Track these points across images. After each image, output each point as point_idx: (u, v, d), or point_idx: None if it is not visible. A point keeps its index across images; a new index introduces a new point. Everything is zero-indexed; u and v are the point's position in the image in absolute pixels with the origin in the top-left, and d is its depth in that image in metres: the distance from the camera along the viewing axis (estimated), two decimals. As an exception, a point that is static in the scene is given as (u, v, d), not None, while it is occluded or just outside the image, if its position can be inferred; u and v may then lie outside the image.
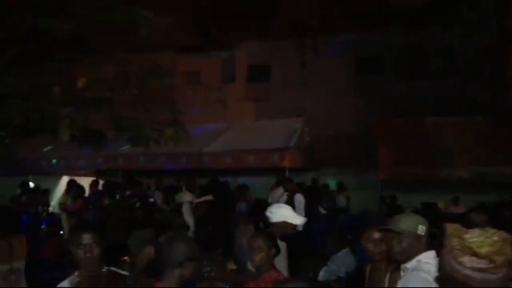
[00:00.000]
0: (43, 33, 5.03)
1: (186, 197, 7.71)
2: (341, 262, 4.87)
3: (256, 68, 14.37)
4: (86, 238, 2.44)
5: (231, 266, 4.83)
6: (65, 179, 12.32)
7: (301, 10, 12.95)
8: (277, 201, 8.04)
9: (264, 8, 13.16)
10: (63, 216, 8.16)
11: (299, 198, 7.28)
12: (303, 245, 6.34)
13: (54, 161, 10.32)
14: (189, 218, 7.38)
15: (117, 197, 7.85)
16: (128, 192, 8.34)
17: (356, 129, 11.57)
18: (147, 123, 6.06)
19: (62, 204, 8.59)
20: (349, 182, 10.95)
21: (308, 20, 13.19)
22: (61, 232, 8.06)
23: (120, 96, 5.83)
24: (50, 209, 10.73)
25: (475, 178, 8.00)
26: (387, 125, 9.62)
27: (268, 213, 3.74)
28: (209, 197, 7.01)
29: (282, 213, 3.69)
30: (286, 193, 7.83)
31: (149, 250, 4.09)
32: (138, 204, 7.76)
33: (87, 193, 9.00)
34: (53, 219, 9.55)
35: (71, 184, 9.17)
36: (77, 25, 5.03)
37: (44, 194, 10.18)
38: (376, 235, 2.84)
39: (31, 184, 10.45)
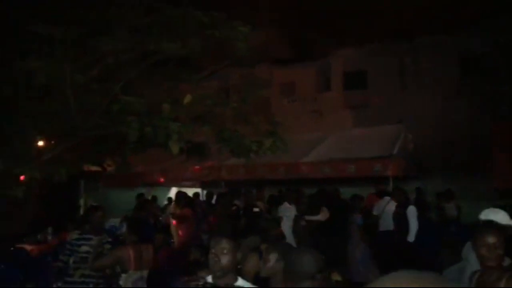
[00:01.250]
0: (153, 54, 5.46)
1: (288, 210, 7.74)
2: (455, 277, 4.54)
3: (352, 75, 14.06)
4: (223, 243, 2.57)
5: (336, 277, 4.74)
6: (173, 190, 13.17)
7: (398, 12, 12.46)
8: (383, 212, 7.75)
9: (358, 13, 12.91)
10: (172, 225, 8.66)
11: (412, 210, 6.96)
12: (415, 259, 6.02)
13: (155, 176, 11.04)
14: (289, 229, 7.41)
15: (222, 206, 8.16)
16: (233, 202, 8.63)
17: (465, 133, 10.74)
18: (247, 135, 6.25)
19: (171, 214, 9.15)
20: (459, 191, 10.14)
21: (406, 22, 12.64)
22: (172, 241, 8.56)
23: (222, 110, 6.10)
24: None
25: None
26: (504, 128, 8.74)
27: (481, 217, 3.68)
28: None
29: (497, 219, 3.62)
30: (393, 203, 7.52)
31: (255, 259, 4.17)
32: (241, 212, 7.98)
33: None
34: (163, 228, 10.22)
35: (180, 195, 9.75)
36: (182, 45, 5.38)
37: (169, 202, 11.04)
38: (491, 239, 2.66)
39: (147, 195, 11.33)
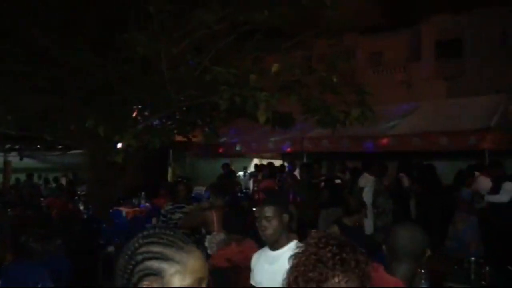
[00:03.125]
0: (242, 25, 5.50)
1: (369, 181, 7.61)
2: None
3: (445, 43, 13.07)
4: (265, 210, 2.63)
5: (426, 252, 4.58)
6: (255, 161, 13.45)
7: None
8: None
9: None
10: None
11: (507, 187, 6.37)
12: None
13: (238, 148, 11.23)
14: (369, 200, 7.27)
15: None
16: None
17: None
18: (334, 105, 6.14)
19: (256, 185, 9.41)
20: None
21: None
22: (254, 209, 8.84)
23: (308, 79, 6.02)
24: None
25: None
26: None
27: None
28: None
29: None
30: (484, 179, 6.99)
31: (333, 230, 4.16)
32: (322, 184, 7.96)
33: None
34: (246, 196, 10.56)
35: (262, 166, 9.96)
36: (270, 14, 5.36)
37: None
38: None
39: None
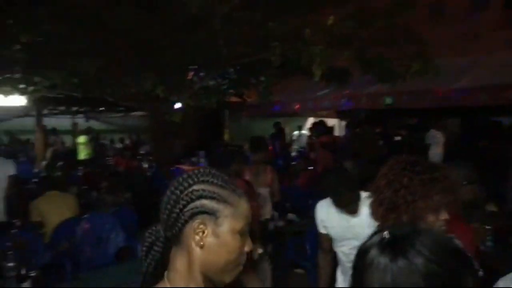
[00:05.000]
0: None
1: (436, 137, 7.39)
2: None
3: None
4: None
5: (491, 207, 4.44)
6: (310, 120, 13.34)
7: None
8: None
9: None
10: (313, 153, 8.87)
11: None
12: None
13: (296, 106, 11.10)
14: (436, 156, 7.07)
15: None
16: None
17: None
18: (393, 58, 5.89)
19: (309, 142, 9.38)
20: None
21: None
22: (311, 168, 8.82)
23: (366, 31, 5.78)
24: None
25: None
26: None
27: None
28: None
29: None
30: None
31: None
32: (381, 141, 7.81)
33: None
34: (302, 156, 10.57)
35: (317, 124, 9.88)
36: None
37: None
38: None
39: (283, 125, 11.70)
